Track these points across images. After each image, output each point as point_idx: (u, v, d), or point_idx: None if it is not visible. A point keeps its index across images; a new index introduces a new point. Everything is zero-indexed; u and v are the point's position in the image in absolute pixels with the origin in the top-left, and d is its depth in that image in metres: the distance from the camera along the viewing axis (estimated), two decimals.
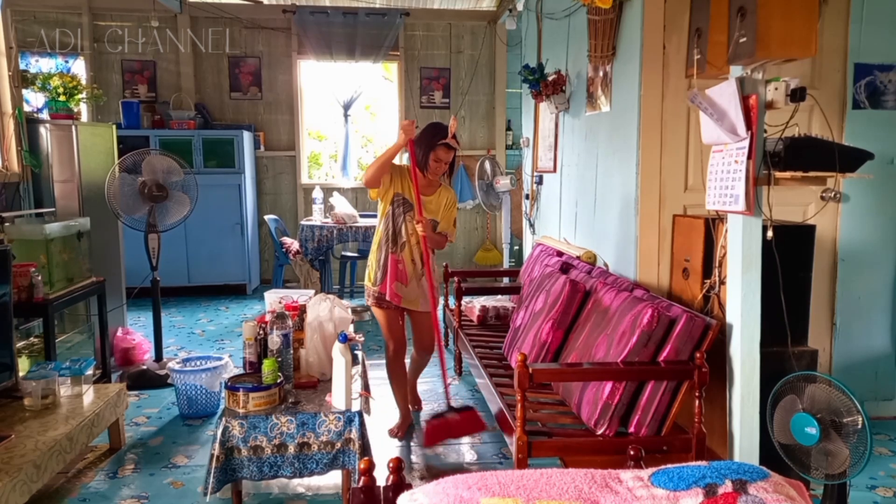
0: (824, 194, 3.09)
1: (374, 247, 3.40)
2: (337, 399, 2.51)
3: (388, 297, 3.30)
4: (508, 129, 7.57)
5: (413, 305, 3.36)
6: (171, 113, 6.69)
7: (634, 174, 3.30)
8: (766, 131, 2.46)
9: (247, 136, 6.81)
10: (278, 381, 2.56)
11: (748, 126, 2.35)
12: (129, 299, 4.84)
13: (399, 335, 3.43)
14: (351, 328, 2.99)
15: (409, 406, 3.61)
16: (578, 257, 3.82)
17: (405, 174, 3.29)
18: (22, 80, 4.14)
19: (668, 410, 2.55)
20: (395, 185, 3.27)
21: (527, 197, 5.59)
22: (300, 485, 2.90)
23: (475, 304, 4.49)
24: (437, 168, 3.22)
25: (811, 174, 2.45)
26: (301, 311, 2.94)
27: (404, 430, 3.46)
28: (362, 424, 2.49)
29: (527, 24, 5.59)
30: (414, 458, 3.21)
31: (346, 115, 7.23)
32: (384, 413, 3.63)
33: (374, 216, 6.61)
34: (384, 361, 3.53)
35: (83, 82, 4.43)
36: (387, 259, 3.30)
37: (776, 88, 2.37)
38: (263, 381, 2.53)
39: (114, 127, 4.85)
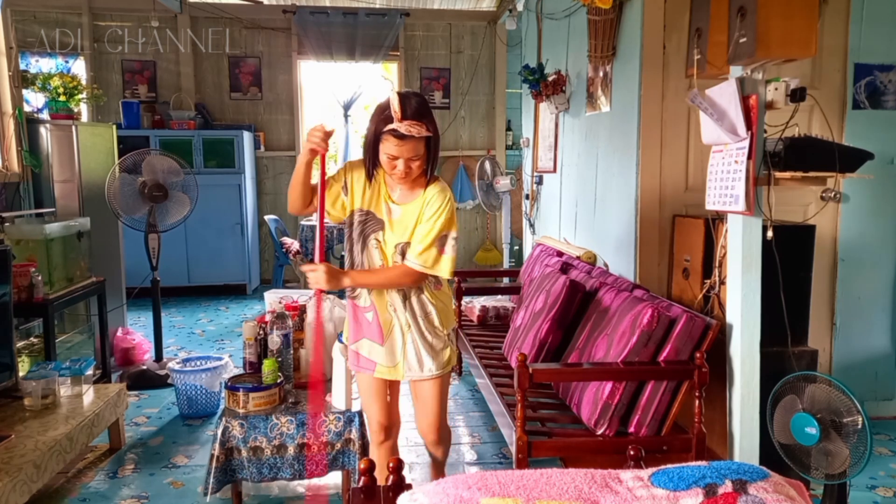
0: (824, 194, 3.10)
1: None
2: (337, 399, 2.51)
3: (352, 364, 2.32)
4: (508, 129, 7.57)
5: (395, 374, 2.24)
6: (171, 113, 6.69)
7: (634, 174, 3.29)
8: (766, 131, 2.46)
9: (247, 136, 6.82)
10: (278, 381, 2.56)
11: (748, 126, 2.35)
12: (129, 299, 4.84)
13: (381, 416, 2.33)
14: None
15: None
16: (578, 257, 3.82)
17: (371, 180, 2.17)
18: (22, 80, 4.15)
19: (668, 410, 2.55)
20: (354, 198, 2.18)
21: (527, 197, 5.59)
22: (300, 485, 2.90)
23: (475, 304, 4.49)
24: (392, 168, 2.07)
25: (811, 174, 2.45)
26: (301, 311, 2.94)
27: None
28: (362, 424, 2.49)
29: (527, 24, 5.59)
30: (414, 457, 3.21)
31: (346, 116, 7.24)
32: None
33: None
34: None
35: (83, 82, 4.43)
36: (349, 305, 2.28)
37: (776, 88, 2.37)
38: (263, 381, 2.54)
39: (114, 127, 4.85)
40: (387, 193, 2.17)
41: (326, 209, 2.17)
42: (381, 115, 2.03)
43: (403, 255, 2.15)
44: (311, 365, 2.33)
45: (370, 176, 2.16)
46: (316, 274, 2.07)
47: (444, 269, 2.14)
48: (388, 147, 2.03)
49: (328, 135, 2.05)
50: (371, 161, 2.12)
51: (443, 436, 2.37)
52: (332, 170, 2.20)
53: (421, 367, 2.21)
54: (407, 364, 2.21)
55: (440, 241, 2.12)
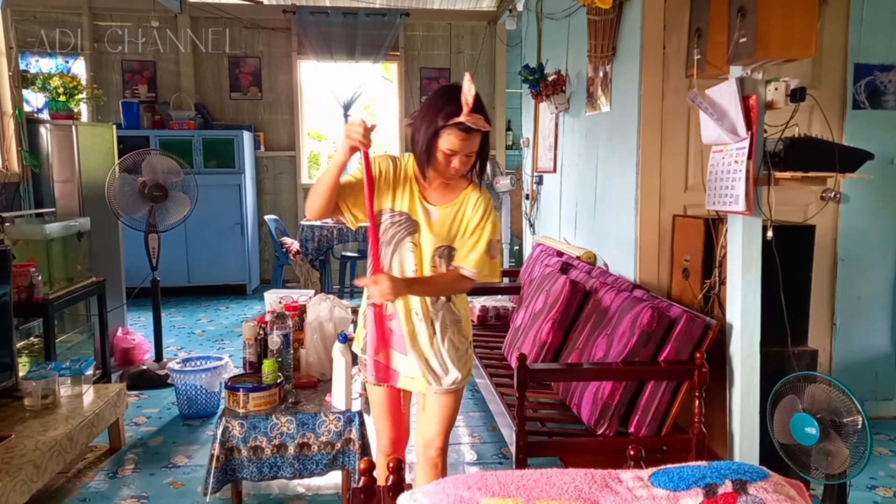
0: (824, 194, 3.10)
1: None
2: (337, 399, 2.51)
3: (370, 375, 2.11)
4: (508, 129, 7.57)
5: (416, 385, 2.09)
6: (171, 113, 6.69)
7: (634, 174, 3.29)
8: (766, 131, 2.46)
9: (247, 136, 6.82)
10: (278, 381, 2.56)
11: (748, 126, 2.35)
12: (129, 299, 4.84)
13: (393, 431, 2.22)
14: (351, 328, 2.99)
15: None
16: (578, 257, 3.82)
17: (402, 176, 2.03)
18: (22, 80, 4.15)
19: (668, 410, 2.55)
20: (384, 195, 2.02)
21: (527, 197, 5.59)
22: (300, 485, 2.90)
23: (475, 304, 4.49)
24: (448, 165, 1.93)
25: (811, 174, 2.45)
26: (301, 311, 2.94)
27: None
28: (362, 424, 2.49)
29: (527, 24, 5.59)
30: (414, 458, 3.21)
31: (346, 116, 7.23)
32: None
33: None
34: None
35: (83, 82, 4.43)
36: (371, 313, 2.07)
37: (776, 88, 2.37)
38: (263, 381, 2.53)
39: (114, 127, 4.85)
40: (420, 194, 2.02)
41: (348, 209, 2.00)
42: (443, 109, 1.86)
43: (443, 257, 2.02)
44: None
45: (424, 174, 2.00)
46: (380, 286, 1.86)
47: (496, 274, 2.03)
48: (449, 142, 1.88)
49: (370, 130, 1.86)
50: (427, 154, 1.93)
51: (444, 453, 2.17)
52: (353, 167, 2.04)
53: (444, 378, 2.06)
54: (432, 375, 2.05)
55: (490, 246, 2.01)
